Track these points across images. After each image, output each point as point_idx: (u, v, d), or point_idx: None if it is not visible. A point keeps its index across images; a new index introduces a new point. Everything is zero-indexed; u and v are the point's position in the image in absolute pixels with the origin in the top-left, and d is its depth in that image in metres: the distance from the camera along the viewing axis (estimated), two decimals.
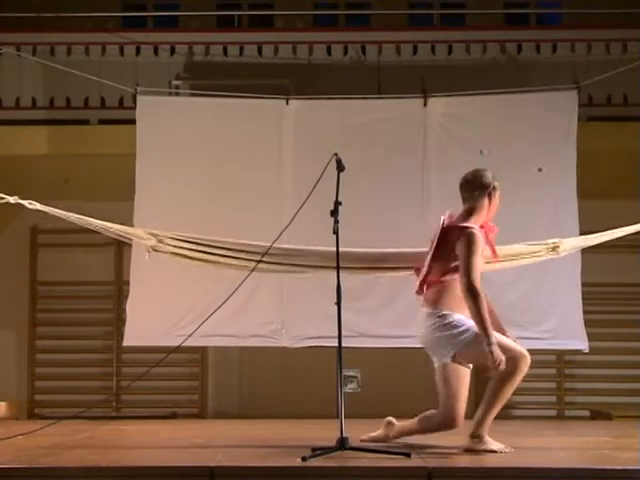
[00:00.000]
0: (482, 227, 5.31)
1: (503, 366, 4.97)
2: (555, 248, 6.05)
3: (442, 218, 5.35)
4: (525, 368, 5.12)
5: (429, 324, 5.27)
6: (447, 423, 5.20)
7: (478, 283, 5.08)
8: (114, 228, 6.21)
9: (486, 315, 5.04)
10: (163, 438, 6.40)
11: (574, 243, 6.36)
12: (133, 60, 9.73)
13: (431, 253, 5.29)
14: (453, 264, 5.20)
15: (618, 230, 6.31)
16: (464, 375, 5.24)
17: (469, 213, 5.34)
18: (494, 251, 5.40)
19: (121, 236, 6.32)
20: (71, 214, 6.12)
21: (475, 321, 5.07)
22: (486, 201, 5.34)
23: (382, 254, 6.09)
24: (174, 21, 11.27)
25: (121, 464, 4.76)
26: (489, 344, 4.98)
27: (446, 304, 5.24)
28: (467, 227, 5.22)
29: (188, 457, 5.05)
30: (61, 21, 9.82)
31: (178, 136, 8.36)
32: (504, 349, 5.03)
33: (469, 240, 5.14)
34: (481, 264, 5.18)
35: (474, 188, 5.35)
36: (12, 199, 5.91)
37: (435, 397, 5.42)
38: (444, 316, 5.22)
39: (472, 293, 5.04)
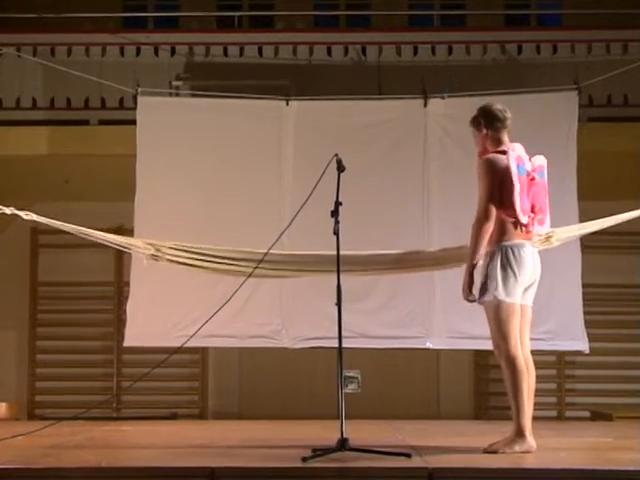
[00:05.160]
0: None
1: (466, 296, 5.18)
2: (548, 238, 6.03)
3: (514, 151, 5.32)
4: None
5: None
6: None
7: None
8: (111, 238, 6.23)
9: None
10: (163, 439, 6.40)
11: (567, 232, 6.33)
12: (133, 61, 9.72)
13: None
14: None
15: (612, 218, 6.27)
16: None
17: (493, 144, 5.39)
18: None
19: (118, 245, 6.35)
20: (68, 225, 6.11)
21: (474, 247, 5.18)
22: (483, 131, 5.40)
23: (382, 256, 6.09)
24: (174, 22, 11.27)
25: (121, 465, 4.76)
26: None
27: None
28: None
29: (188, 458, 5.05)
30: (61, 22, 9.82)
31: (178, 136, 8.37)
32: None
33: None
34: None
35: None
36: (8, 210, 5.88)
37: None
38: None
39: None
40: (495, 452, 5.07)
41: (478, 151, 5.45)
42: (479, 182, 5.27)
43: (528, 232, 5.29)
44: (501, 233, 5.23)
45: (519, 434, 5.12)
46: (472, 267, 5.20)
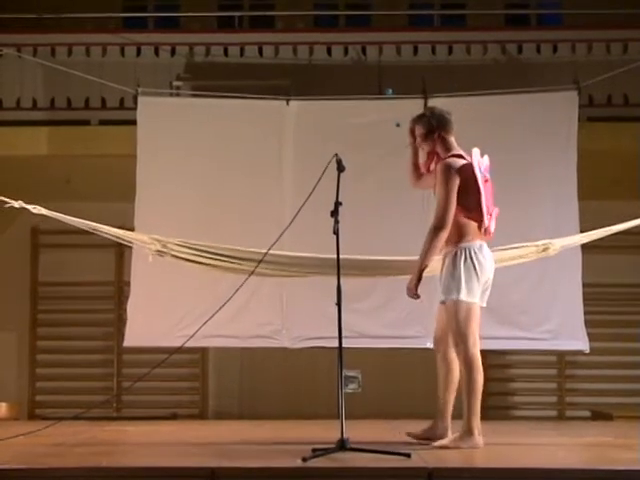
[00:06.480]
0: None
1: (411, 295, 5.29)
2: (545, 249, 6.06)
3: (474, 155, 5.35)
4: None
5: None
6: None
7: None
8: (118, 233, 6.24)
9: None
10: (164, 439, 6.40)
11: (564, 242, 6.35)
12: (134, 61, 9.72)
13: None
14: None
15: (608, 228, 6.28)
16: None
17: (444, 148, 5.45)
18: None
19: (124, 240, 6.35)
20: (76, 219, 6.12)
21: (427, 251, 5.24)
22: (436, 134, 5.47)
23: (382, 262, 6.11)
24: (175, 22, 11.27)
25: (122, 465, 4.76)
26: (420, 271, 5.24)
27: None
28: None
29: (189, 458, 5.05)
30: (62, 22, 9.82)
31: (179, 137, 8.38)
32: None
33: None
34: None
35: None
36: (17, 204, 5.89)
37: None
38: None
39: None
40: (443, 447, 5.17)
41: (426, 152, 5.53)
42: (439, 187, 5.31)
43: (487, 234, 5.33)
44: (462, 234, 5.27)
45: (467, 432, 5.21)
46: (422, 271, 5.25)
